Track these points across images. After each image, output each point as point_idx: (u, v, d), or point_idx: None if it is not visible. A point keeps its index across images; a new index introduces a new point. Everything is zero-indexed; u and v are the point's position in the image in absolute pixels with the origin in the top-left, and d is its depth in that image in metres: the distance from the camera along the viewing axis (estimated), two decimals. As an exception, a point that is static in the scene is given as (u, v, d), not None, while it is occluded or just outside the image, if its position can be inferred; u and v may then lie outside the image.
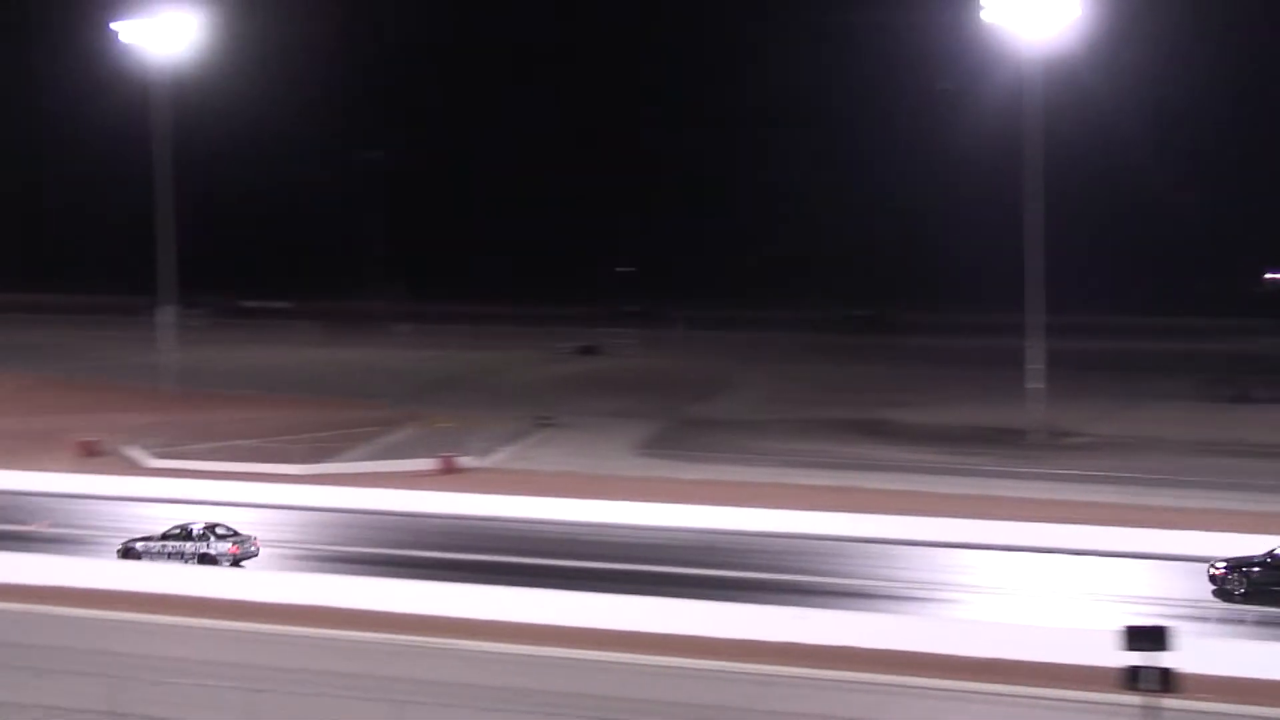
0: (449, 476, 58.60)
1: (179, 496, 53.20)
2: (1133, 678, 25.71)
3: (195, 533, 44.16)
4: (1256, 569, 39.04)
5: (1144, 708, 25.92)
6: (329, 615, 37.42)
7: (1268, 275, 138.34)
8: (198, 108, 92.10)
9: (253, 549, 44.50)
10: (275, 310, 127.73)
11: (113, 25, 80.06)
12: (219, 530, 44.34)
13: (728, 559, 44.44)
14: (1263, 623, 37.11)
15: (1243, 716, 29.83)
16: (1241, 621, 37.15)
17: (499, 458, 63.27)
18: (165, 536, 44.35)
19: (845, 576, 42.83)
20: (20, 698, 30.11)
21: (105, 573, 42.13)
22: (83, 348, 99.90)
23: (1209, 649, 31.51)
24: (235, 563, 43.74)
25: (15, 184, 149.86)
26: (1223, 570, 39.35)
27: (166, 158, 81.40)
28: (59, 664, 32.36)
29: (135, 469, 60.75)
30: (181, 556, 43.52)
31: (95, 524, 50.36)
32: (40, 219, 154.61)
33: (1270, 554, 39.12)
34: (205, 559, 43.47)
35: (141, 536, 44.93)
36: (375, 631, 35.98)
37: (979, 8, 66.75)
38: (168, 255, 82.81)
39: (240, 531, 44.79)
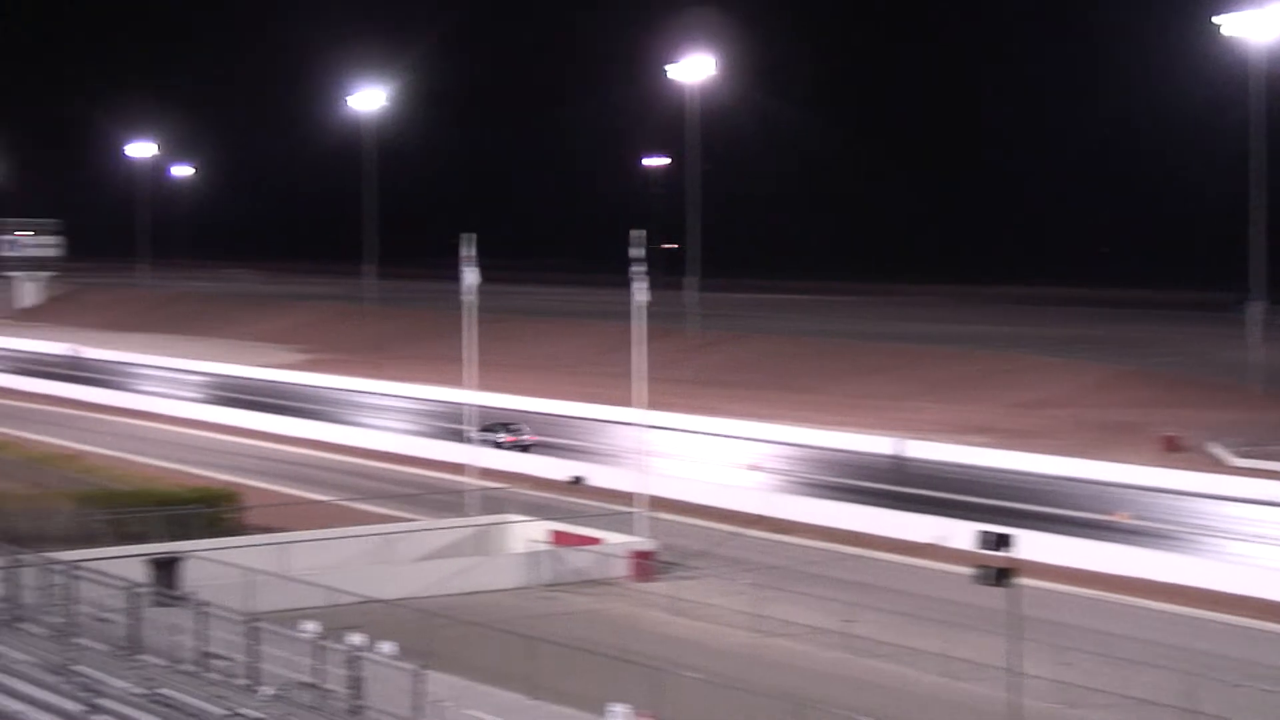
0: None
1: (1264, 498, 51.35)
2: None
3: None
4: None
5: None
6: None
7: None
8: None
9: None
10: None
11: (1215, 19, 79.49)
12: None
13: None
14: None
15: None
16: None
17: None
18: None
19: None
20: (1094, 682, 30.54)
21: (1183, 569, 41.63)
22: (1161, 341, 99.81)
23: None
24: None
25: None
26: None
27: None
28: (1135, 654, 32.39)
29: (1218, 467, 59.41)
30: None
31: (1176, 519, 49.94)
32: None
33: None
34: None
35: None
36: None
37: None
38: (1258, 249, 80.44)
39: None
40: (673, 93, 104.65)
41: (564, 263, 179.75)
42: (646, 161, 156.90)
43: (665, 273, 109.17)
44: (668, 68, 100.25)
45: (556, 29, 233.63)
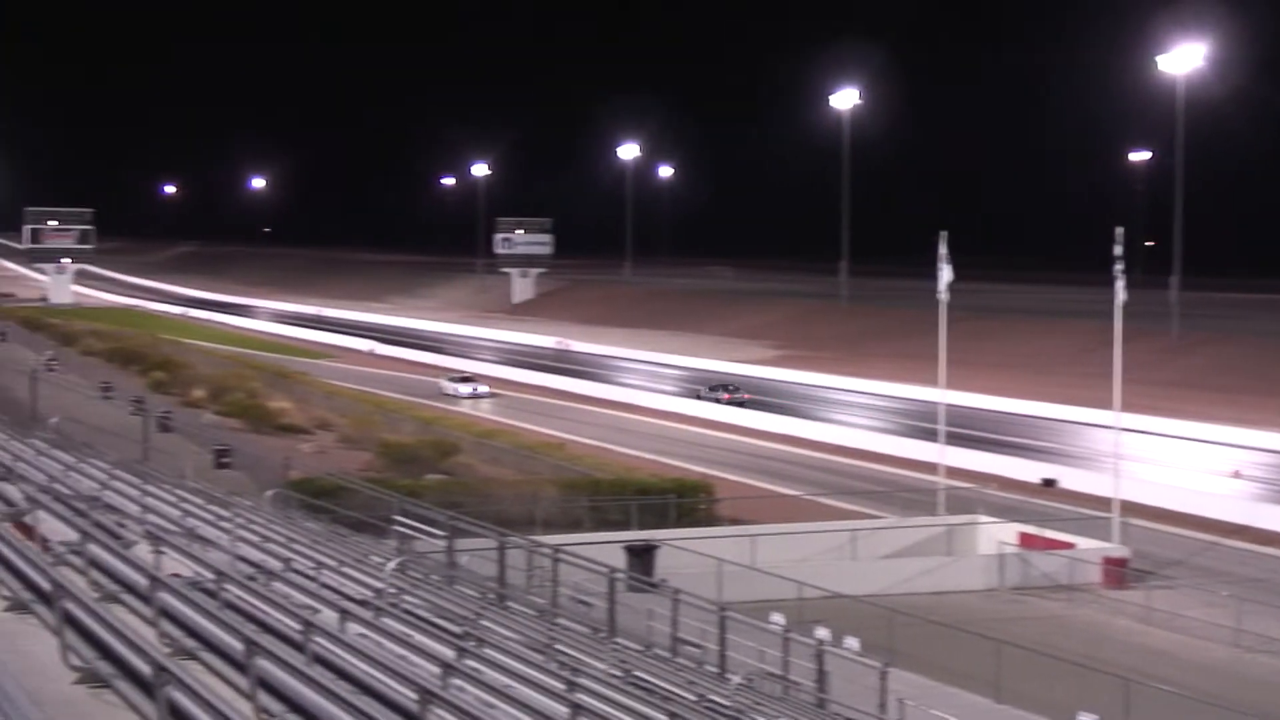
0: None
1: None
2: None
3: None
4: None
5: None
6: None
7: None
8: None
9: None
10: None
11: None
12: None
13: None
14: None
15: None
16: None
17: None
18: None
19: None
20: None
21: None
22: None
23: None
24: None
25: None
26: None
27: None
28: None
29: None
30: None
31: None
32: None
33: None
34: None
35: None
36: None
37: None
38: None
39: None
40: (1160, 84, 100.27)
41: (1038, 260, 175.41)
42: (1130, 156, 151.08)
43: (1145, 271, 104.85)
44: (1157, 59, 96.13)
45: (1038, 23, 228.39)
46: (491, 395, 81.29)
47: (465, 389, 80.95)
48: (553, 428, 68.80)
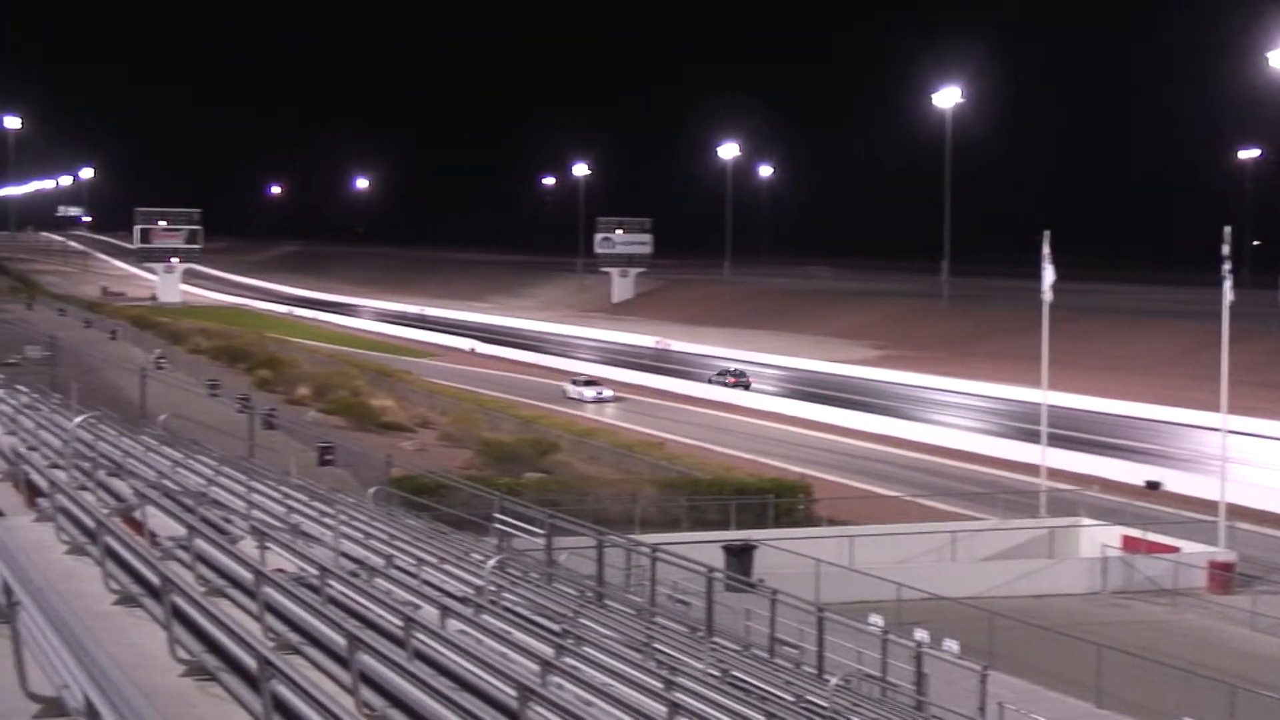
0: None
1: None
2: None
3: None
4: None
5: None
6: None
7: None
8: None
9: None
10: None
11: None
12: None
13: None
14: None
15: None
16: None
17: None
18: None
19: None
20: None
21: None
22: None
23: None
24: None
25: None
26: None
27: None
28: None
29: None
30: None
31: None
32: None
33: None
34: None
35: None
36: None
37: None
38: None
39: None
40: (1271, 81, 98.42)
41: (1142, 260, 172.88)
42: (1238, 154, 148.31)
43: (1252, 271, 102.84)
44: (1268, 55, 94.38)
45: (1143, 19, 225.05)
46: (616, 399, 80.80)
47: (590, 392, 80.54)
48: (651, 427, 68.96)
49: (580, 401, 79.12)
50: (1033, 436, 51.27)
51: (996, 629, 31.71)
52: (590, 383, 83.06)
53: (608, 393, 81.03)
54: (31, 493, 19.54)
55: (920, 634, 26.83)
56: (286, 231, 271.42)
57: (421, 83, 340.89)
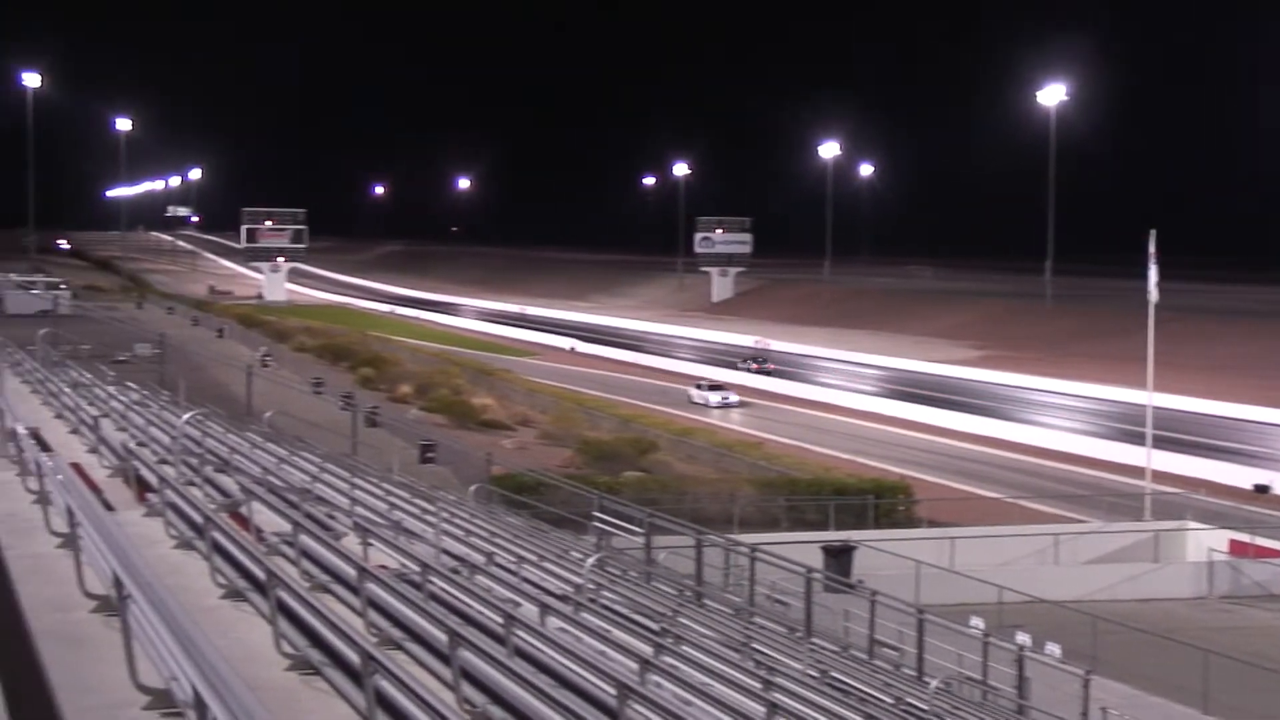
0: None
1: None
2: None
3: None
4: None
5: None
6: None
7: None
8: None
9: None
10: None
11: None
12: None
13: None
14: None
15: None
16: None
17: None
18: None
19: None
20: None
21: None
22: None
23: None
24: None
25: None
26: None
27: None
28: None
29: None
30: None
31: None
32: None
33: None
34: None
35: None
36: None
37: None
38: None
39: None
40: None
41: (1247, 260, 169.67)
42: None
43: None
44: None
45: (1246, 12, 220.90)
46: (742, 405, 78.52)
47: (715, 397, 78.58)
48: (750, 426, 68.84)
49: (705, 407, 77.57)
50: (1135, 438, 50.56)
51: (1100, 633, 31.29)
52: (715, 387, 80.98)
53: (733, 398, 79.06)
54: (141, 488, 19.93)
55: (1022, 637, 26.58)
56: (389, 231, 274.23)
57: (523, 83, 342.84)
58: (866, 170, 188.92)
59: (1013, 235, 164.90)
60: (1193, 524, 43.98)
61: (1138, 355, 48.59)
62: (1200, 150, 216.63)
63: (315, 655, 11.78)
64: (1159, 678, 29.31)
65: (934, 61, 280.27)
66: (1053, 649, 27.21)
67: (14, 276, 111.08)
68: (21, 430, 21.04)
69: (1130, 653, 31.17)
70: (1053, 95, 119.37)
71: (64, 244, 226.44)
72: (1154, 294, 45.96)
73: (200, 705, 8.41)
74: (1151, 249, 45.72)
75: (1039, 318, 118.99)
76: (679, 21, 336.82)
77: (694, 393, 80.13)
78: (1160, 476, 48.61)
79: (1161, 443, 50.74)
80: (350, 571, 14.57)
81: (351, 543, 18.39)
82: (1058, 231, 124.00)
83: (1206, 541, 42.36)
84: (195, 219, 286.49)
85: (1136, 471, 48.24)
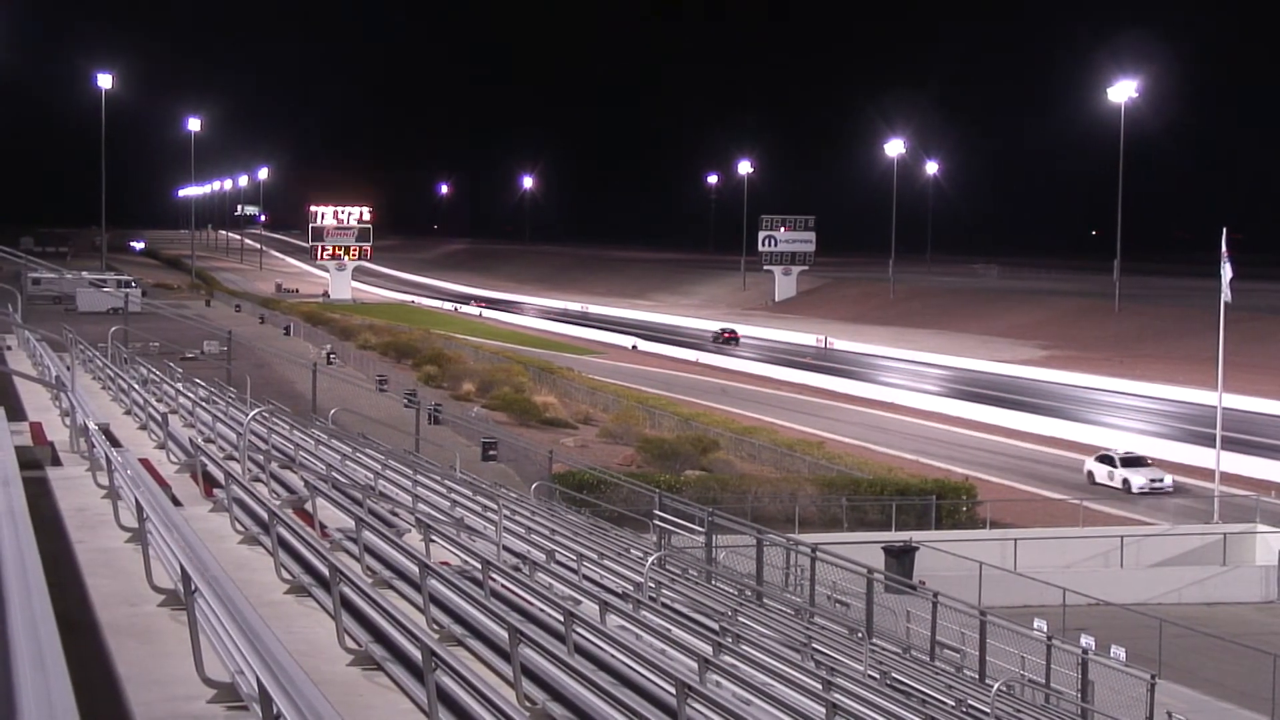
0: None
1: None
2: None
3: None
4: None
5: None
6: None
7: None
8: None
9: None
10: None
11: None
12: None
13: None
14: None
15: None
16: None
17: None
18: None
19: None
20: None
21: None
22: None
23: None
24: None
25: None
26: None
27: None
28: None
29: None
30: None
31: None
32: None
33: None
34: None
35: None
36: None
37: None
38: None
39: None
40: None
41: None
42: None
43: None
44: None
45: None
46: (1174, 491, 52.07)
47: (1138, 479, 52.27)
48: (812, 425, 68.62)
49: (1111, 487, 52.64)
50: (1203, 440, 49.93)
51: (1166, 637, 30.98)
52: (1134, 461, 54.05)
53: (1167, 480, 52.47)
54: (208, 484, 20.17)
55: (1086, 640, 26.36)
56: (454, 230, 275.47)
57: (591, 85, 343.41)
58: (932, 169, 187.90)
59: (1080, 234, 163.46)
60: (1262, 527, 43.46)
61: (1206, 355, 48.08)
62: (1275, 147, 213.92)
63: (378, 650, 11.90)
64: (1226, 683, 29.01)
65: (1003, 59, 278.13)
66: (1117, 652, 26.96)
67: (86, 275, 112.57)
68: (92, 426, 21.35)
69: (1197, 657, 30.87)
70: (1122, 92, 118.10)
71: (138, 245, 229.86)
72: (1226, 293, 45.43)
73: (265, 699, 8.53)
74: (1224, 247, 45.21)
75: (1106, 317, 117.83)
76: (746, 20, 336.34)
77: (1096, 469, 54.78)
78: (1230, 478, 48.03)
79: (1232, 444, 50.11)
80: (412, 568, 14.70)
81: (414, 539, 18.52)
82: (1128, 230, 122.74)
83: (1276, 545, 41.84)
84: (263, 218, 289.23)
85: (1203, 473, 47.70)
